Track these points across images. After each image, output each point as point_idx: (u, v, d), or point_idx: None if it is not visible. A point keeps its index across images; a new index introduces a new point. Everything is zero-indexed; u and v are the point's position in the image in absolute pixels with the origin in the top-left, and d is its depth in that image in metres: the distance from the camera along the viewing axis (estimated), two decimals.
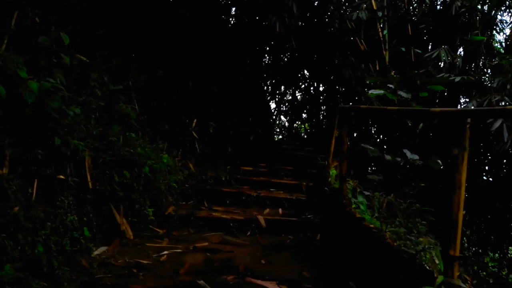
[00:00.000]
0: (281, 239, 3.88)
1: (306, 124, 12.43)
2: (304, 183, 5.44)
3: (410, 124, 4.80)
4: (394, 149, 4.40)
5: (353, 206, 4.13)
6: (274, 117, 11.66)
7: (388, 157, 3.65)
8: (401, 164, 3.67)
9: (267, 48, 7.75)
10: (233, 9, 7.15)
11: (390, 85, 3.78)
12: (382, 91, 3.76)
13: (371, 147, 3.77)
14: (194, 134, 6.19)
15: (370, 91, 3.88)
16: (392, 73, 8.47)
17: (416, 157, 3.43)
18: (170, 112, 5.96)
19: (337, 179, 4.78)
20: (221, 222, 4.06)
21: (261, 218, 4.05)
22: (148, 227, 3.84)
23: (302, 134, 12.37)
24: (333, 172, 5.42)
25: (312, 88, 11.10)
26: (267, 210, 4.74)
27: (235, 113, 7.13)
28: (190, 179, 5.38)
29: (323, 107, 10.74)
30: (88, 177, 3.24)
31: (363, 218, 3.06)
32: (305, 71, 10.52)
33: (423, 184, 3.91)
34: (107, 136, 3.47)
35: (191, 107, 6.36)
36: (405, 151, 3.45)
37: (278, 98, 11.42)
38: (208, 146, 6.45)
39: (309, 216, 4.03)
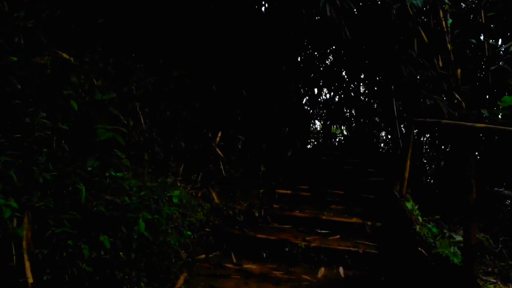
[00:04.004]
0: None
1: (344, 128, 10.66)
2: (369, 223, 3.76)
3: None
4: None
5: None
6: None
7: None
8: None
9: (306, 40, 6.07)
10: None
11: None
12: None
13: None
14: (219, 152, 4.63)
15: None
16: (459, 71, 6.69)
17: None
18: (188, 125, 4.43)
19: (428, 230, 3.09)
20: None
21: None
22: None
23: (340, 140, 10.61)
24: (408, 205, 3.74)
25: (352, 87, 9.33)
26: (322, 271, 3.12)
27: (269, 122, 5.52)
28: (212, 216, 3.83)
29: (367, 110, 8.96)
30: (27, 264, 1.72)
31: None
32: (343, 70, 8.76)
33: None
34: (66, 184, 1.94)
35: (214, 117, 4.80)
36: None
37: (312, 99, 9.70)
38: (236, 166, 4.87)
39: None
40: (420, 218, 3.12)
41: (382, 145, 9.10)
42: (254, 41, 5.11)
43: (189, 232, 3.13)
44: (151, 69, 4.05)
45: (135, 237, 2.32)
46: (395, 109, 6.49)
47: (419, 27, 5.92)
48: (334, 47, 6.78)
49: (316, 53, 7.06)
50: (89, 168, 2.15)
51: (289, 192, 5.07)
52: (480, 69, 7.35)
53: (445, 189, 6.71)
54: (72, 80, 3.00)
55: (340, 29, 4.54)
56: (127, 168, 2.52)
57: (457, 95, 6.43)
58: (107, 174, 2.17)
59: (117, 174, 2.28)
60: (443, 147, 7.60)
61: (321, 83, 8.99)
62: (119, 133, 2.32)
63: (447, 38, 6.58)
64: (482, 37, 7.24)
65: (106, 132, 2.25)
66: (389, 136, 9.50)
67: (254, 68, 5.24)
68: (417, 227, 3.03)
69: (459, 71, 6.54)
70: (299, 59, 6.78)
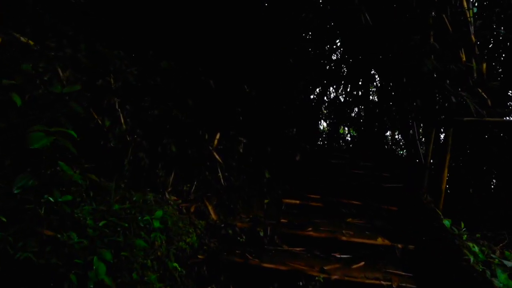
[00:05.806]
0: None
1: (351, 129, 9.90)
2: (399, 246, 3.01)
3: None
4: None
5: None
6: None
7: None
8: None
9: (315, 27, 5.32)
10: None
11: None
12: None
13: None
14: (217, 157, 3.89)
15: None
16: (484, 65, 5.96)
17: None
18: (179, 125, 3.69)
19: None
20: None
21: None
22: None
23: (347, 141, 9.84)
24: (446, 222, 3.00)
25: (362, 83, 8.58)
26: None
27: (274, 122, 4.77)
28: (208, 237, 3.10)
29: (378, 108, 8.20)
30: None
31: None
32: (354, 64, 7.98)
33: None
34: None
35: (212, 117, 4.06)
36: None
37: (321, 96, 8.93)
38: (237, 173, 4.13)
39: None
40: (476, 248, 2.37)
41: (394, 147, 8.34)
42: (258, 29, 4.37)
43: (175, 264, 2.40)
44: (133, 58, 3.32)
45: (91, 286, 1.59)
46: (414, 107, 5.75)
47: (444, 15, 5.16)
48: (346, 38, 6.03)
49: (324, 45, 6.31)
50: (16, 191, 1.41)
51: (297, 202, 4.34)
52: (507, 63, 6.63)
53: (468, 198, 5.99)
54: (23, 68, 2.26)
55: (357, 13, 3.80)
56: (84, 186, 1.78)
57: (482, 92, 5.68)
58: (42, 199, 1.44)
59: (63, 197, 1.54)
60: (461, 149, 6.86)
61: (327, 80, 8.25)
62: (67, 138, 1.58)
63: (471, 29, 5.81)
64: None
65: (44, 137, 1.50)
66: (399, 137, 8.77)
67: (258, 60, 4.50)
68: (471, 259, 2.28)
69: (484, 65, 5.80)
70: (307, 52, 6.04)
